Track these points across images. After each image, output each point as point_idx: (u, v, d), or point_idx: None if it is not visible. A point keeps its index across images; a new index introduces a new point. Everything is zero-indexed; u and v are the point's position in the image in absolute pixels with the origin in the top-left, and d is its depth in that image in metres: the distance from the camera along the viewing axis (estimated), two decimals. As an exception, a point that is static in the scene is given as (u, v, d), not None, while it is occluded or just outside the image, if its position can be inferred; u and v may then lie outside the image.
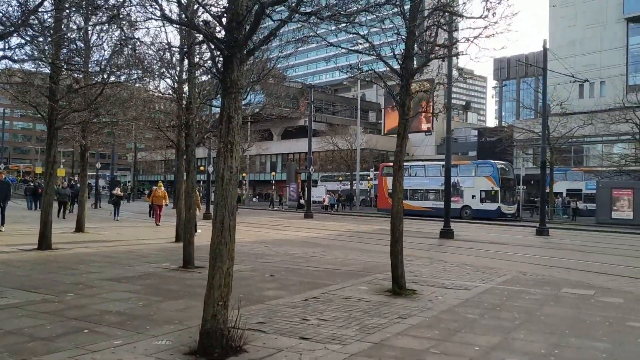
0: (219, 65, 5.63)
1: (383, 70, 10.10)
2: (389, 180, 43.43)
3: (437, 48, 9.65)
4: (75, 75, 13.04)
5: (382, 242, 18.45)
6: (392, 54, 9.50)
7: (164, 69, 11.59)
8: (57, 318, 6.59)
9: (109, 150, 59.02)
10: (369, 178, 57.94)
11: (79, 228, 18.03)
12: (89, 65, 11.97)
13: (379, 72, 9.68)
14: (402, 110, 9.12)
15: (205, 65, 6.57)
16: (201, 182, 45.29)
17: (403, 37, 9.06)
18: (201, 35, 5.73)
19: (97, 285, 8.76)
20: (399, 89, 9.18)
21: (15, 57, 8.01)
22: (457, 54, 8.67)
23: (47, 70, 12.51)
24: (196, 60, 9.70)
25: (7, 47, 8.04)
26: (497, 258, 14.98)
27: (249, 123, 56.06)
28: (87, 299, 7.75)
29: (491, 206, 37.63)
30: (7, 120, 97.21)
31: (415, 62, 9.80)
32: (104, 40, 11.40)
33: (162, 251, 13.82)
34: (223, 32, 5.54)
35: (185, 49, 7.39)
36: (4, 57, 7.82)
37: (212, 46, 5.61)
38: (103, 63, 13.25)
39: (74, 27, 11.02)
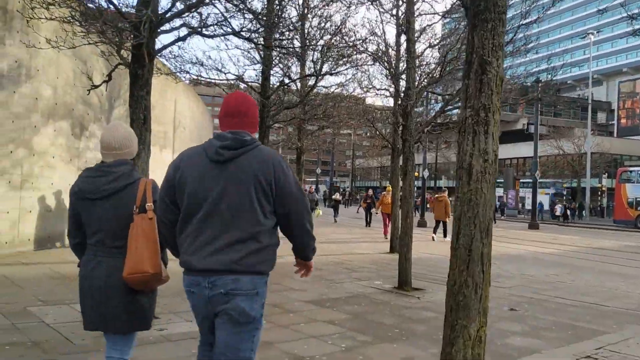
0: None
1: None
2: (629, 188, 36.39)
3: None
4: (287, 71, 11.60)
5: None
6: None
7: (376, 46, 9.48)
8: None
9: (329, 157, 60.31)
10: (600, 185, 50.02)
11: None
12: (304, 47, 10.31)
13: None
14: None
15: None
16: (414, 189, 42.87)
17: None
18: None
19: (296, 310, 6.85)
20: None
21: (206, 32, 6.46)
22: None
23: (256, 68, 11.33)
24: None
25: (202, 22, 6.56)
26: None
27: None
28: (278, 331, 5.81)
29: None
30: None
31: None
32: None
33: (374, 264, 11.72)
34: None
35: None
36: (194, 32, 6.30)
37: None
38: (316, 54, 11.74)
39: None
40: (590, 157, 45.36)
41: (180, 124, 20.17)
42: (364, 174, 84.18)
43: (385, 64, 9.80)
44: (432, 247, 16.04)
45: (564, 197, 49.36)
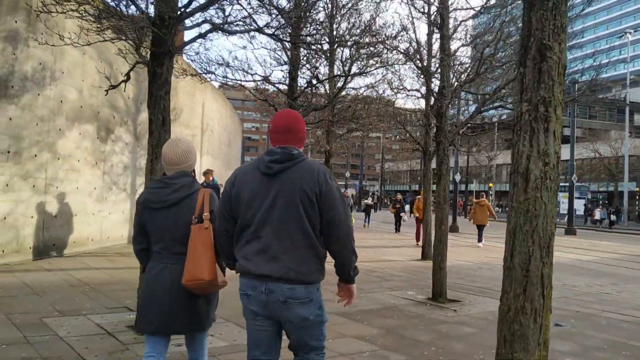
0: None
1: None
2: (671, 192, 34.94)
3: None
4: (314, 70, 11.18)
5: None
6: None
7: (408, 44, 8.98)
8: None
9: (357, 161, 59.62)
10: (638, 190, 48.35)
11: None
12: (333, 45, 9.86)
13: None
14: None
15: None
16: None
17: None
18: None
19: (322, 322, 6.40)
20: None
21: (229, 29, 6.09)
22: None
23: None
24: None
25: (225, 19, 6.20)
26: None
27: (496, 129, 51.42)
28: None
29: None
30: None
31: None
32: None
33: (405, 272, 11.18)
34: None
35: None
36: (216, 28, 5.93)
37: None
38: (345, 54, 11.33)
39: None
40: (628, 160, 43.70)
41: (208, 127, 19.98)
42: (394, 178, 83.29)
43: (417, 62, 9.28)
44: (465, 254, 15.41)
45: (600, 201, 47.86)
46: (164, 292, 3.02)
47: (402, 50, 9.27)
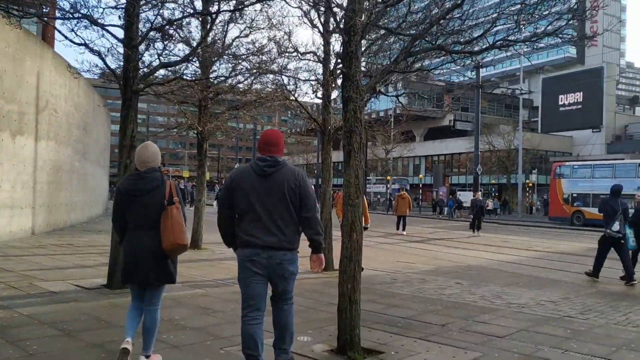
0: None
1: None
2: (564, 183, 34.85)
3: None
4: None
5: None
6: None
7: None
8: None
9: (249, 154, 55.79)
10: (527, 182, 49.26)
11: (195, 243, 12.89)
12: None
13: None
14: None
15: None
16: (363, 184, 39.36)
17: None
18: None
19: None
20: None
21: None
22: None
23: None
24: None
25: None
26: None
27: (392, 123, 50.12)
28: None
29: None
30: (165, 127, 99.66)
31: None
32: None
33: (297, 294, 7.92)
34: None
35: None
36: None
37: None
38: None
39: None
40: (521, 152, 43.99)
41: (48, 105, 15.55)
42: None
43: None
44: (372, 257, 12.43)
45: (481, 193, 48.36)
46: (144, 255, 4.12)
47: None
